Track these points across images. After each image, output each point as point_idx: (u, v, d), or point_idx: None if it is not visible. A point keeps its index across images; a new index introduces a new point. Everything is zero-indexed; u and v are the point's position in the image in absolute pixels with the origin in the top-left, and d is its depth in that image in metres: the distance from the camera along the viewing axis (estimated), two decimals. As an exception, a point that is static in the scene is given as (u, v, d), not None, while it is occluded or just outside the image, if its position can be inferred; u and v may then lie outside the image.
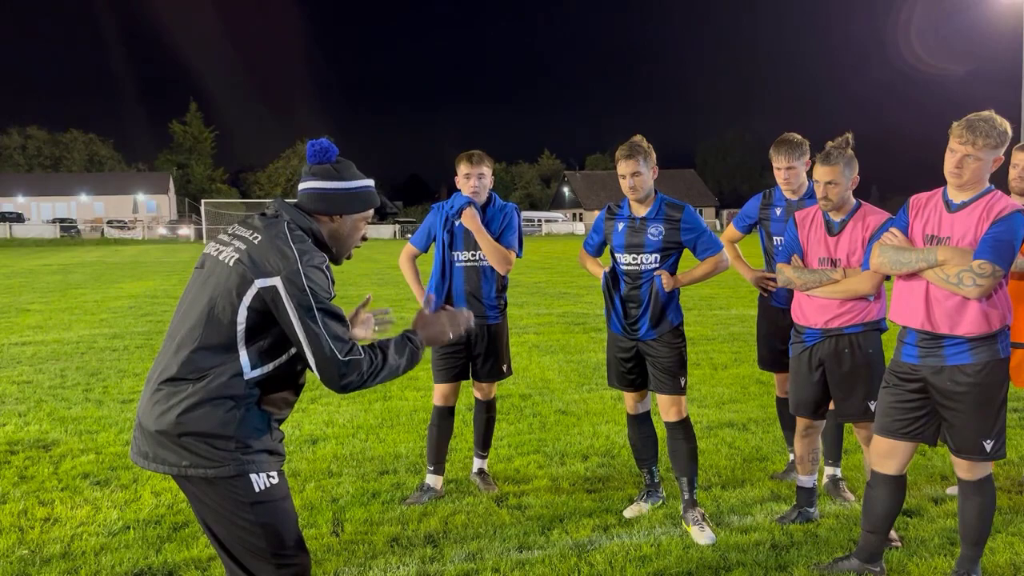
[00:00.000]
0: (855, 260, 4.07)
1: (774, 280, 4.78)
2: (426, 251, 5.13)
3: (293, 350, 2.55)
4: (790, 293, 4.50)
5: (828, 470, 4.93)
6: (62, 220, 67.57)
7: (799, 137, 4.89)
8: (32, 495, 5.00)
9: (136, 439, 2.58)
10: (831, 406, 4.35)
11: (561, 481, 5.18)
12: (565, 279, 20.14)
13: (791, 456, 5.18)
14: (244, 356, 2.47)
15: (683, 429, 4.50)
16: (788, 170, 4.84)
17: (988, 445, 3.49)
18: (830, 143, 4.19)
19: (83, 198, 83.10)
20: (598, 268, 4.70)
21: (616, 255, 4.54)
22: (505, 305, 5.03)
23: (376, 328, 3.23)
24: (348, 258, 2.81)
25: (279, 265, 2.45)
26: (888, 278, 3.83)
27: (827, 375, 4.21)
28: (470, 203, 4.86)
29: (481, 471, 5.19)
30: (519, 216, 5.03)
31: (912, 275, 3.52)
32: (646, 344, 4.48)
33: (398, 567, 3.98)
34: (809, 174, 4.81)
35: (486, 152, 4.96)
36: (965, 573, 3.65)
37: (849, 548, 4.07)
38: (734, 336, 10.79)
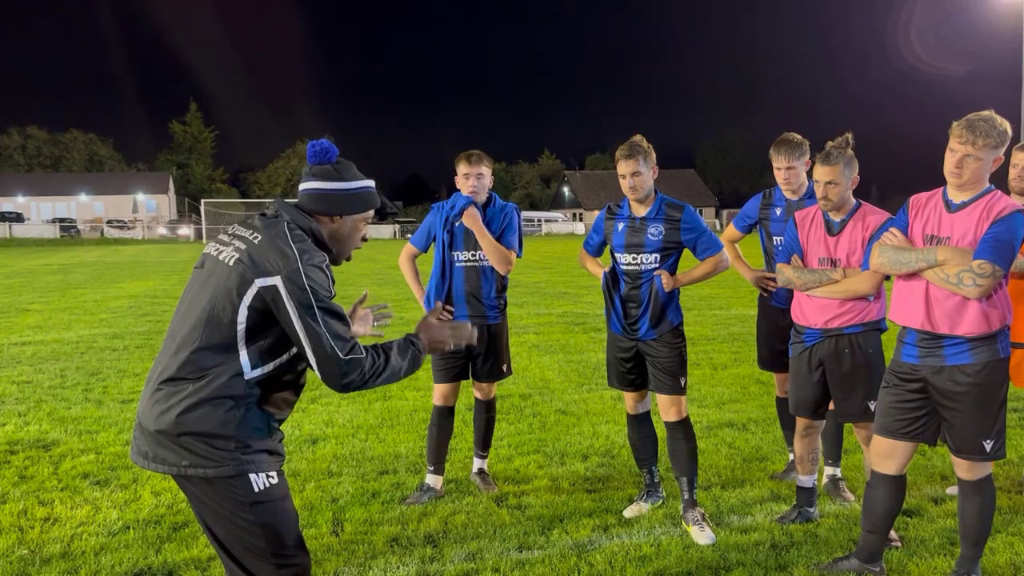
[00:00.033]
0: (855, 260, 4.07)
1: (774, 280, 4.78)
2: (426, 251, 5.13)
3: (294, 350, 2.55)
4: (790, 293, 4.50)
5: (828, 470, 4.93)
6: (62, 220, 67.62)
7: (799, 137, 4.89)
8: (32, 495, 5.00)
9: (136, 439, 2.58)
10: (831, 406, 4.35)
11: (561, 481, 5.18)
12: (565, 279, 20.14)
13: (791, 456, 5.18)
14: (244, 356, 2.47)
15: (683, 429, 4.50)
16: (788, 170, 4.84)
17: (988, 445, 3.49)
18: (830, 143, 4.19)
19: (83, 198, 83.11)
20: (598, 268, 4.70)
21: (616, 255, 4.54)
22: (505, 305, 5.03)
23: (374, 324, 3.24)
24: (348, 259, 2.81)
25: (279, 264, 2.45)
26: (888, 278, 3.83)
27: (827, 375, 4.21)
28: (471, 203, 4.86)
29: (481, 471, 5.19)
30: (519, 216, 5.03)
31: (912, 275, 3.52)
32: (646, 344, 4.48)
33: (398, 567, 3.98)
34: (809, 174, 4.81)
35: (486, 152, 4.96)
36: (965, 573, 3.65)
37: (849, 548, 4.07)
38: (734, 336, 10.79)
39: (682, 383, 4.49)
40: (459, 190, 4.94)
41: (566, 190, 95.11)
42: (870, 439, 3.97)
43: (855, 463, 5.33)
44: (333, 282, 2.55)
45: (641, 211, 4.47)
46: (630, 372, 4.60)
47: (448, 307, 4.85)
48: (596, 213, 5.69)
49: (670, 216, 4.43)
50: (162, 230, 64.06)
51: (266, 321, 2.48)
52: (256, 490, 2.48)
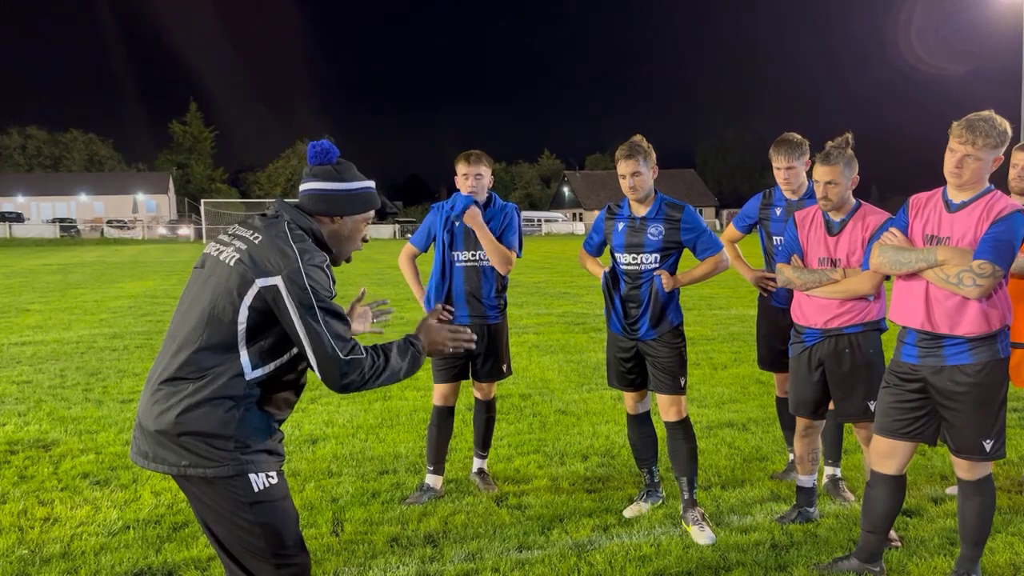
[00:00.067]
0: (855, 260, 4.07)
1: (774, 280, 4.78)
2: (426, 251, 5.13)
3: (294, 350, 2.55)
4: (790, 293, 4.50)
5: (828, 470, 4.93)
6: (62, 220, 67.62)
7: (799, 137, 4.89)
8: (32, 495, 5.00)
9: (136, 439, 2.58)
10: (831, 406, 4.35)
11: (561, 481, 5.18)
12: (565, 279, 20.14)
13: (791, 456, 5.18)
14: (245, 356, 2.47)
15: (683, 429, 4.50)
16: (788, 170, 4.85)
17: (988, 445, 3.49)
18: (830, 143, 4.19)
19: (83, 198, 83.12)
20: (598, 268, 4.70)
21: (616, 255, 4.54)
22: (505, 305, 5.03)
23: (374, 320, 3.24)
24: (348, 261, 2.81)
25: (280, 264, 2.45)
26: (888, 278, 3.83)
27: (827, 375, 4.21)
28: (473, 202, 4.86)
29: (481, 471, 5.19)
30: (519, 216, 5.03)
31: (912, 275, 3.52)
32: (646, 344, 4.48)
33: (398, 567, 3.98)
34: (809, 174, 4.81)
35: (486, 152, 4.96)
36: (965, 573, 3.65)
37: (849, 548, 4.07)
38: (734, 336, 10.79)
39: (682, 383, 4.49)
40: (459, 190, 4.94)
41: (566, 190, 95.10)
42: (870, 439, 3.97)
43: (855, 463, 5.33)
44: (334, 282, 2.55)
45: (641, 211, 4.47)
46: (630, 372, 4.60)
47: (448, 307, 4.85)
48: (596, 213, 5.69)
49: (670, 216, 4.43)
50: (162, 230, 64.07)
51: (266, 321, 2.48)
52: (256, 490, 2.48)
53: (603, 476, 5.27)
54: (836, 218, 4.18)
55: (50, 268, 26.40)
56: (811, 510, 4.47)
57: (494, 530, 4.40)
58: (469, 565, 3.98)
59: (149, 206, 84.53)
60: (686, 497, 4.46)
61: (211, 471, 2.45)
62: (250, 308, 2.45)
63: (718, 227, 62.02)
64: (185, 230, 62.06)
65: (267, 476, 2.51)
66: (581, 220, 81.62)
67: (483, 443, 5.17)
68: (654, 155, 4.45)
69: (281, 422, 2.64)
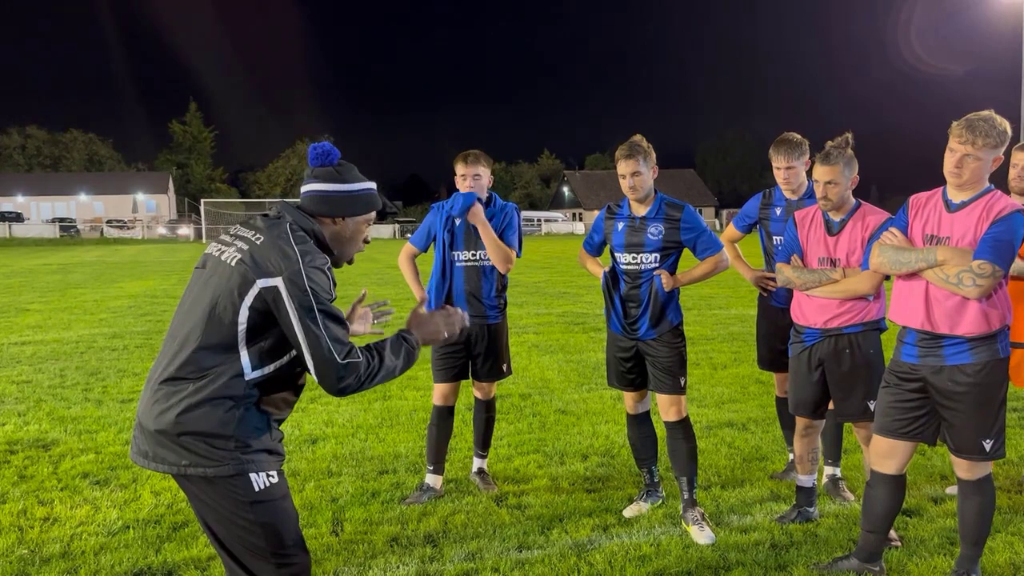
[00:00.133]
0: (855, 260, 4.07)
1: (774, 280, 4.78)
2: (426, 251, 5.13)
3: (293, 352, 2.55)
4: (790, 293, 4.50)
5: (828, 470, 4.93)
6: (62, 220, 67.64)
7: (799, 137, 4.90)
8: (31, 495, 5.00)
9: (136, 438, 2.58)
10: (831, 406, 4.35)
11: (561, 481, 5.18)
12: (565, 279, 20.14)
13: (791, 456, 5.18)
14: (245, 357, 2.47)
15: (683, 429, 4.50)
16: (788, 170, 4.85)
17: (988, 445, 3.49)
18: (830, 143, 4.19)
19: (83, 198, 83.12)
20: (598, 268, 4.70)
21: (616, 255, 4.54)
22: (505, 305, 5.03)
23: (374, 322, 3.24)
24: (350, 262, 2.81)
25: (281, 265, 2.45)
26: (888, 278, 3.83)
27: (827, 375, 4.21)
28: (476, 198, 4.85)
29: (481, 471, 5.19)
30: (519, 216, 5.03)
31: (912, 275, 3.52)
32: (646, 344, 4.49)
33: (398, 567, 3.98)
34: (809, 174, 4.82)
35: (486, 152, 4.96)
36: (965, 573, 3.65)
37: (849, 548, 4.07)
38: (734, 336, 10.79)
39: (682, 383, 4.49)
40: (459, 190, 4.94)
41: (566, 190, 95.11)
42: (870, 439, 3.97)
43: (855, 463, 5.33)
44: (334, 284, 2.55)
45: (641, 211, 4.48)
46: (630, 372, 4.60)
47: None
48: (596, 213, 5.69)
49: (670, 216, 4.43)
50: (162, 230, 64.07)
51: (266, 322, 2.48)
52: (256, 489, 2.48)
53: (603, 476, 5.27)
54: (836, 218, 4.18)
55: (50, 268, 26.39)
56: (811, 510, 4.47)
57: (494, 530, 4.40)
58: (469, 565, 3.98)
59: (149, 206, 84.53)
60: (686, 497, 4.46)
61: (211, 470, 2.45)
62: (250, 308, 2.45)
63: (718, 227, 61.99)
64: (185, 230, 62.06)
65: (267, 475, 2.51)
66: (581, 220, 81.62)
67: (483, 443, 5.17)
68: (654, 155, 4.46)
69: (281, 422, 2.64)
